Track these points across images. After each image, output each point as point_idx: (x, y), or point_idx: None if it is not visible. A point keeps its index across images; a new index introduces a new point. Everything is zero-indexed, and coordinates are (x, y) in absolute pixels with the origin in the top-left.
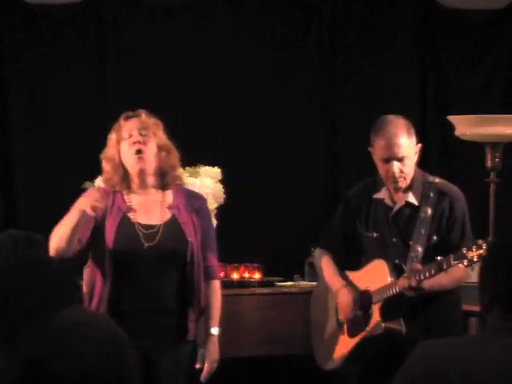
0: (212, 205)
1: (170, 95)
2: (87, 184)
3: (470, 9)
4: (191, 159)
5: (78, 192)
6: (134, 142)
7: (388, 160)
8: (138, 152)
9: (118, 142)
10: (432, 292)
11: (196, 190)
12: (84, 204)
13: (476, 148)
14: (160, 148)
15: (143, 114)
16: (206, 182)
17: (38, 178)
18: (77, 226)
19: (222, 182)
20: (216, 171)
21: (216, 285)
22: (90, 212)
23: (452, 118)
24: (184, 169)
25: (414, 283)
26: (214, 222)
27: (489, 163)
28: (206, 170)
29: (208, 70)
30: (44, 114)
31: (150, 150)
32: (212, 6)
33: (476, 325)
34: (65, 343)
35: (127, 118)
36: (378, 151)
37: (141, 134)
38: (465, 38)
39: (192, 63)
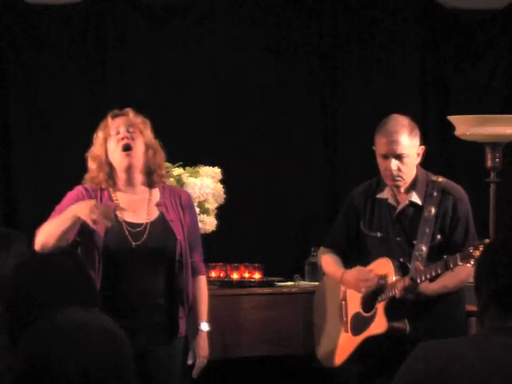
0: (212, 205)
1: (170, 95)
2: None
3: (469, 9)
4: (191, 159)
5: None
6: (122, 138)
7: (386, 156)
8: (126, 148)
9: (105, 139)
10: (434, 296)
11: (196, 190)
12: (83, 212)
13: (476, 148)
14: (147, 146)
15: (131, 113)
16: (206, 181)
17: (38, 178)
18: (68, 228)
19: (222, 182)
20: (216, 171)
21: (202, 280)
22: (91, 224)
23: (452, 118)
24: (184, 169)
25: (407, 283)
26: (214, 222)
27: (489, 163)
28: (206, 170)
29: (208, 69)
30: (44, 113)
31: (138, 147)
32: (212, 6)
33: (476, 325)
34: (65, 342)
35: (114, 116)
36: (378, 148)
37: (128, 131)
38: (465, 38)
39: (192, 63)
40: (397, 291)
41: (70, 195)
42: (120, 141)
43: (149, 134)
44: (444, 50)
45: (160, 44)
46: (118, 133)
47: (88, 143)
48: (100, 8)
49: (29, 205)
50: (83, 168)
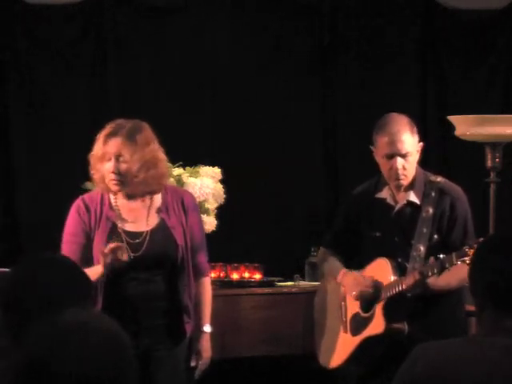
0: (212, 205)
1: (170, 95)
2: (87, 184)
3: (469, 9)
4: (191, 159)
5: (78, 192)
6: (111, 172)
7: (392, 156)
8: (115, 183)
9: (102, 158)
10: (440, 291)
11: (196, 190)
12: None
13: (476, 148)
14: (142, 166)
15: (122, 136)
16: (206, 182)
17: (38, 177)
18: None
19: (222, 182)
20: (216, 171)
21: (206, 282)
22: (106, 267)
23: (452, 118)
24: (184, 169)
25: (418, 277)
26: (214, 222)
27: (489, 163)
28: (206, 170)
29: (208, 69)
30: (44, 113)
31: (128, 175)
32: (212, 6)
33: (476, 325)
34: (67, 343)
35: (108, 138)
36: (381, 148)
37: (118, 160)
38: (465, 38)
39: (192, 63)
40: (405, 286)
41: (72, 215)
42: (109, 173)
43: (143, 152)
44: (444, 49)
45: (160, 44)
46: (109, 159)
47: (88, 143)
48: (100, 8)
49: (29, 203)
50: (83, 172)
